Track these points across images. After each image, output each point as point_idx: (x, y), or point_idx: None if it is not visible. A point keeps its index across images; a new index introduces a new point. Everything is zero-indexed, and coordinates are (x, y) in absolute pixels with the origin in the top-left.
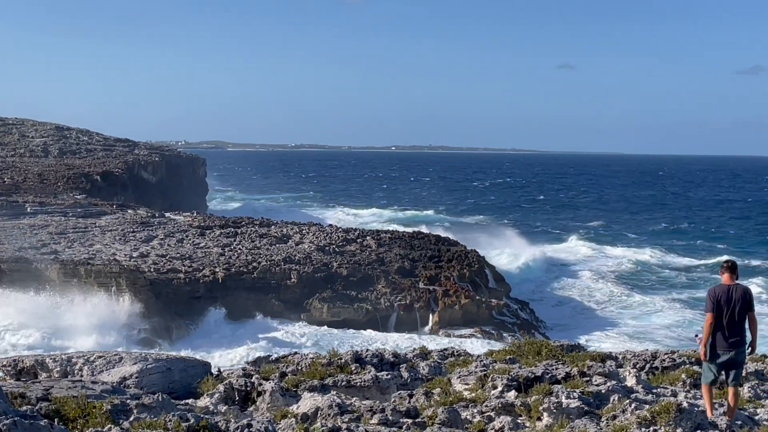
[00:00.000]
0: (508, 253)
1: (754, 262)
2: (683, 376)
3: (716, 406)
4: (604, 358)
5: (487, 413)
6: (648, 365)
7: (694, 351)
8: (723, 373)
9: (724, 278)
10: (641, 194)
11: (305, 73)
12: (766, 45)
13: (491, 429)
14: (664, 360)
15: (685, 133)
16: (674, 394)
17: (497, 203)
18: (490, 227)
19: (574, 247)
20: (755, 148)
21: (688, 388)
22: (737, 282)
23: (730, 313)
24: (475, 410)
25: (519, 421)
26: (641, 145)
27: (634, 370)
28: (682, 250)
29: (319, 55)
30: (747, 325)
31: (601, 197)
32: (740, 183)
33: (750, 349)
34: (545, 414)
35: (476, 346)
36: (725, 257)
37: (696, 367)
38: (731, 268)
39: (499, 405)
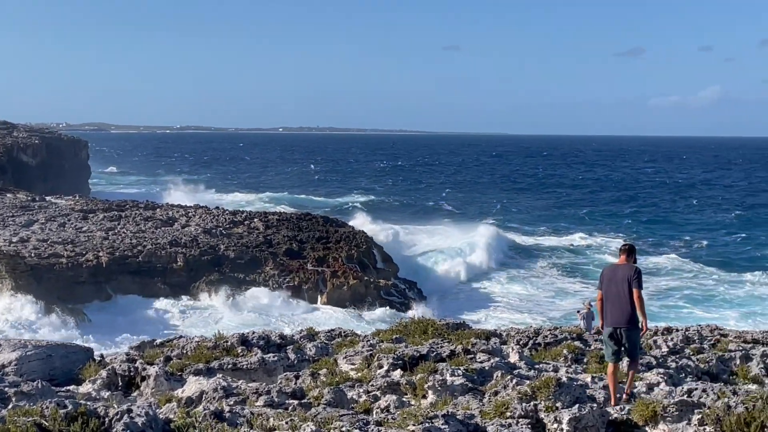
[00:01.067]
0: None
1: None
2: (565, 351)
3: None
4: (488, 335)
5: (373, 392)
6: (531, 341)
7: (575, 326)
8: (620, 348)
9: (620, 259)
10: (525, 173)
11: (191, 54)
12: (645, 26)
13: (377, 408)
14: (546, 336)
15: (570, 113)
16: (555, 369)
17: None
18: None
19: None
20: (638, 128)
21: (569, 363)
22: (628, 263)
23: (615, 291)
24: (361, 390)
25: (404, 399)
26: (527, 126)
27: (518, 346)
28: (561, 228)
29: (204, 35)
30: (635, 302)
31: (485, 179)
32: (605, 161)
33: (641, 327)
34: (430, 392)
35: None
36: (616, 239)
37: (577, 342)
38: (628, 250)
39: (385, 384)
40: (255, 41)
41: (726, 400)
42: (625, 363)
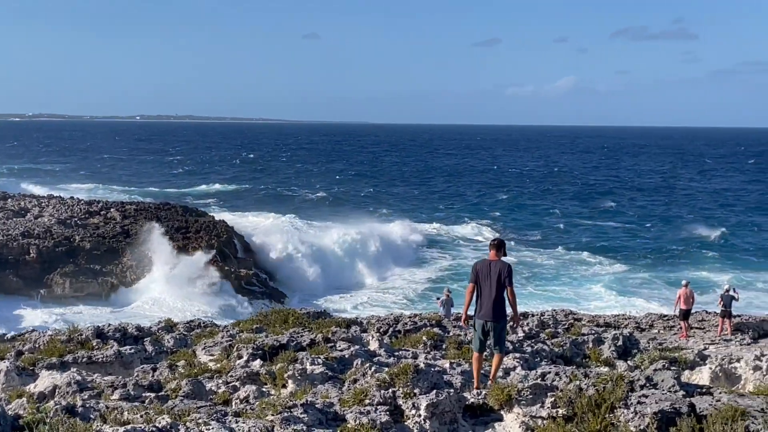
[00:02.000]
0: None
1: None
2: (424, 338)
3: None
4: (349, 323)
5: (232, 383)
6: (391, 329)
7: (434, 313)
8: (487, 339)
9: (491, 254)
10: (388, 161)
11: (41, 38)
12: (501, 17)
13: (236, 399)
14: (406, 323)
15: (430, 102)
16: (415, 356)
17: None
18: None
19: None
20: (494, 117)
21: (428, 349)
22: (501, 258)
23: (488, 286)
24: (220, 381)
25: (264, 389)
26: (390, 115)
27: (378, 334)
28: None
29: (56, 20)
30: (507, 298)
31: (359, 168)
32: (456, 150)
33: (512, 321)
34: (290, 381)
35: None
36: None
37: (436, 329)
38: (497, 245)
39: (245, 374)
40: (109, 25)
41: (578, 382)
42: (494, 350)
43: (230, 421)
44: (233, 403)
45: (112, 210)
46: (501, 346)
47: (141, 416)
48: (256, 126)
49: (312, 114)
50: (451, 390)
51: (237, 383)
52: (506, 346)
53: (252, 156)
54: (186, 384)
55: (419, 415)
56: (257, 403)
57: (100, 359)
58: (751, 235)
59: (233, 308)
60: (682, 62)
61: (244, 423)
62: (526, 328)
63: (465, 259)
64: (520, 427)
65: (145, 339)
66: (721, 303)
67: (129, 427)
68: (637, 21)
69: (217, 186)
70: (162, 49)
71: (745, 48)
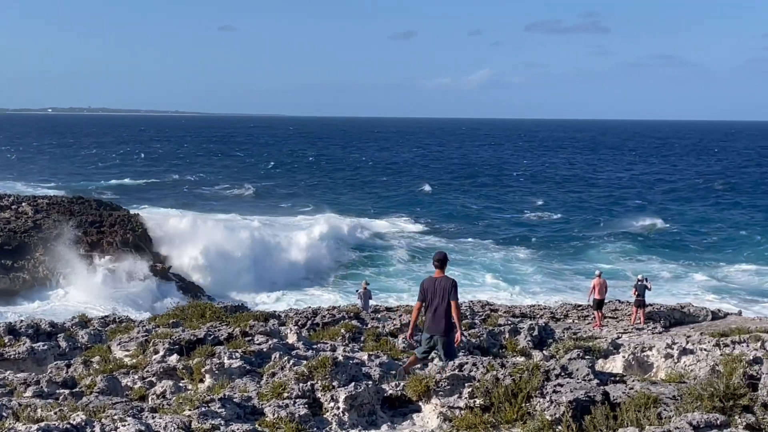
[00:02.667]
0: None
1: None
2: (342, 330)
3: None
4: (267, 317)
5: (149, 378)
6: (309, 322)
7: (353, 305)
8: (431, 351)
9: (436, 272)
10: (305, 154)
11: None
12: (417, 10)
13: (152, 394)
14: (325, 316)
15: (347, 95)
16: (333, 349)
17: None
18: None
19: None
20: (410, 109)
21: (347, 341)
22: (445, 275)
23: (435, 302)
24: (136, 376)
25: (181, 384)
26: (304, 107)
27: (296, 327)
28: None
29: None
30: (453, 312)
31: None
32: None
33: (456, 332)
34: (207, 375)
35: None
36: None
37: (355, 321)
38: (441, 262)
39: (161, 369)
40: (16, 14)
41: (495, 372)
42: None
43: (147, 416)
44: (150, 399)
45: (23, 204)
46: (450, 358)
47: (55, 413)
48: (171, 119)
49: (229, 107)
50: (370, 382)
51: (153, 378)
52: (456, 356)
53: (162, 150)
54: (101, 380)
55: (338, 408)
56: (174, 398)
57: (12, 356)
58: (665, 227)
59: (149, 303)
60: (593, 55)
61: (160, 418)
62: None
63: (383, 251)
64: (438, 417)
65: (59, 335)
66: (636, 292)
67: (43, 424)
68: (552, 14)
69: (128, 180)
70: (75, 40)
71: (651, 42)
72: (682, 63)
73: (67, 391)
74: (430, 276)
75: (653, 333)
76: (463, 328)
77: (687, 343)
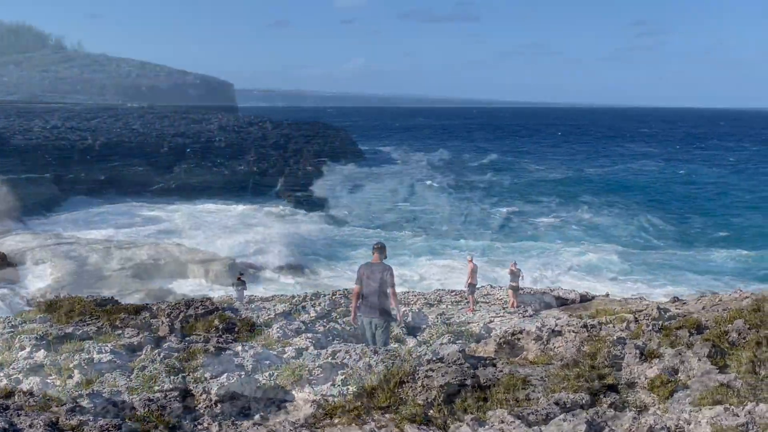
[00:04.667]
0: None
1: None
2: (216, 322)
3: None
4: (138, 310)
5: (15, 375)
6: (182, 314)
7: (229, 296)
8: (374, 335)
9: (374, 257)
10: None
11: None
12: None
13: (19, 392)
14: (198, 308)
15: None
16: (206, 340)
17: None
18: None
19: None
20: (292, 99)
21: (220, 333)
22: (383, 261)
23: (372, 287)
24: (2, 374)
25: (49, 380)
26: (185, 97)
27: (167, 319)
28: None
29: None
30: (390, 299)
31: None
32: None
33: (396, 319)
34: (76, 371)
35: None
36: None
37: (229, 312)
38: (379, 249)
39: (27, 366)
40: None
41: (367, 359)
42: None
43: (12, 414)
44: (16, 396)
45: None
46: (385, 343)
47: None
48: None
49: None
50: (243, 373)
51: (20, 376)
52: (389, 343)
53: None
54: None
55: (210, 399)
56: (41, 395)
57: None
58: (539, 210)
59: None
60: (470, 43)
61: (27, 416)
62: (318, 308)
63: (265, 243)
64: (311, 406)
65: None
66: (510, 277)
67: None
68: (424, 3)
69: None
70: None
71: (522, 31)
72: (557, 52)
73: None
74: (367, 261)
75: (524, 317)
76: (329, 309)
77: (556, 325)
